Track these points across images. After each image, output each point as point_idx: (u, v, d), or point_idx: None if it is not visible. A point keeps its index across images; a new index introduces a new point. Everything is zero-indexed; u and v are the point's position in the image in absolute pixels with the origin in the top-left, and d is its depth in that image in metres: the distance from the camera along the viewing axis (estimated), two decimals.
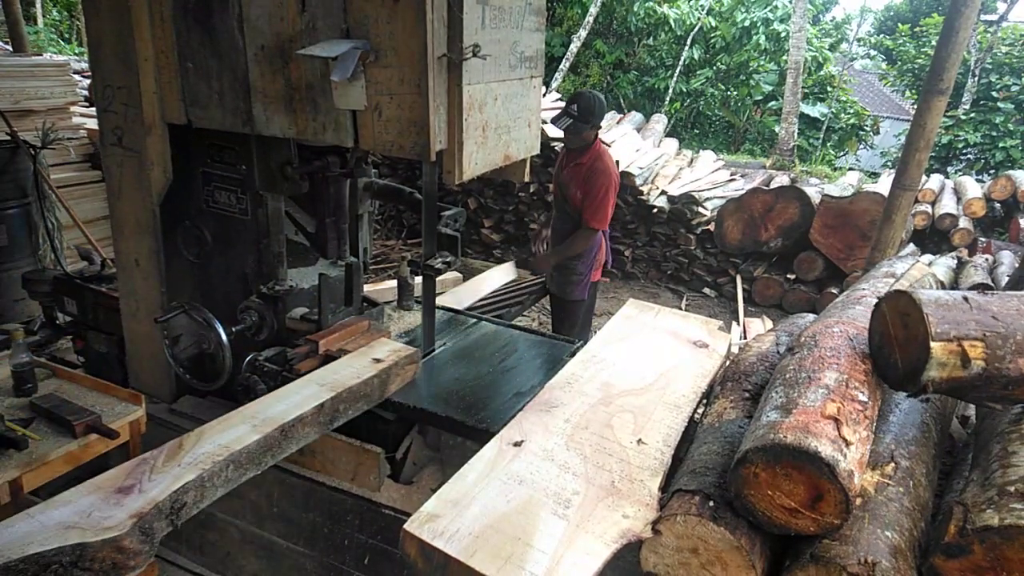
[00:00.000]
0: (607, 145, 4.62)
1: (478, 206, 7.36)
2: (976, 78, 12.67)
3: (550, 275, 4.04)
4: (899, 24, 17.39)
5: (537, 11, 2.43)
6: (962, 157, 12.85)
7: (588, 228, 3.77)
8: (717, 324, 2.79)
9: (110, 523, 1.45)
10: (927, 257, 5.74)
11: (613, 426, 2.03)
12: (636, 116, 9.43)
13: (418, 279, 2.68)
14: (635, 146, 7.64)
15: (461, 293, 4.71)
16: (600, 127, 3.79)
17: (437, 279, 2.63)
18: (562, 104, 8.44)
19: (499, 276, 5.27)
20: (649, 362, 2.44)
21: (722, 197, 7.01)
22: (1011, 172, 7.45)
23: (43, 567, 1.36)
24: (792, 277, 6.47)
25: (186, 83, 2.39)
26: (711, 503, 1.55)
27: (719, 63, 15.43)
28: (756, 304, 6.58)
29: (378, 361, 2.32)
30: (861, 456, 1.49)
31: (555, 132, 6.72)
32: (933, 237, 6.86)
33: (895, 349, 1.63)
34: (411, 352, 2.45)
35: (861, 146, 15.64)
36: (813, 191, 6.61)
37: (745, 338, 5.52)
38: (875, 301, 1.73)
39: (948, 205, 6.86)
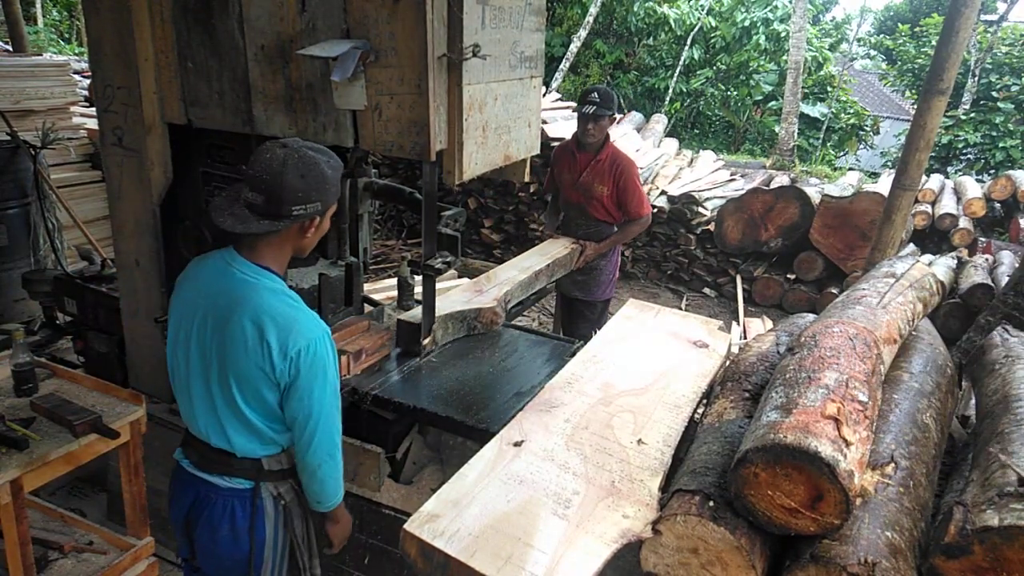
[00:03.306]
0: None
1: (478, 206, 7.36)
2: (976, 78, 12.66)
3: (571, 279, 3.91)
4: (899, 24, 17.38)
5: (537, 11, 2.43)
6: (962, 157, 12.85)
7: (639, 217, 3.81)
8: (717, 324, 2.79)
9: (484, 301, 2.84)
10: (927, 257, 5.75)
11: (613, 426, 2.03)
12: (636, 116, 9.43)
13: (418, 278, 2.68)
14: (635, 146, 7.65)
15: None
16: (616, 119, 3.76)
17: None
18: (562, 104, 8.46)
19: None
20: (649, 362, 2.44)
21: (722, 197, 7.01)
22: (1011, 172, 7.45)
23: (462, 318, 2.71)
24: (792, 277, 6.47)
25: (186, 83, 2.39)
26: (711, 503, 1.55)
27: (719, 63, 15.43)
28: (756, 304, 6.57)
29: (566, 246, 3.65)
30: (861, 456, 1.49)
31: (557, 132, 6.74)
32: (933, 237, 6.86)
33: None
34: (581, 245, 3.71)
35: (861, 146, 15.62)
36: (813, 191, 6.61)
37: (745, 338, 5.52)
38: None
39: (948, 205, 6.86)
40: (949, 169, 12.38)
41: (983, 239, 6.53)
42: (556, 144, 6.52)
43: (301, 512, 1.94)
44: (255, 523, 1.83)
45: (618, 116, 3.78)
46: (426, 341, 2.36)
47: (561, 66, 12.42)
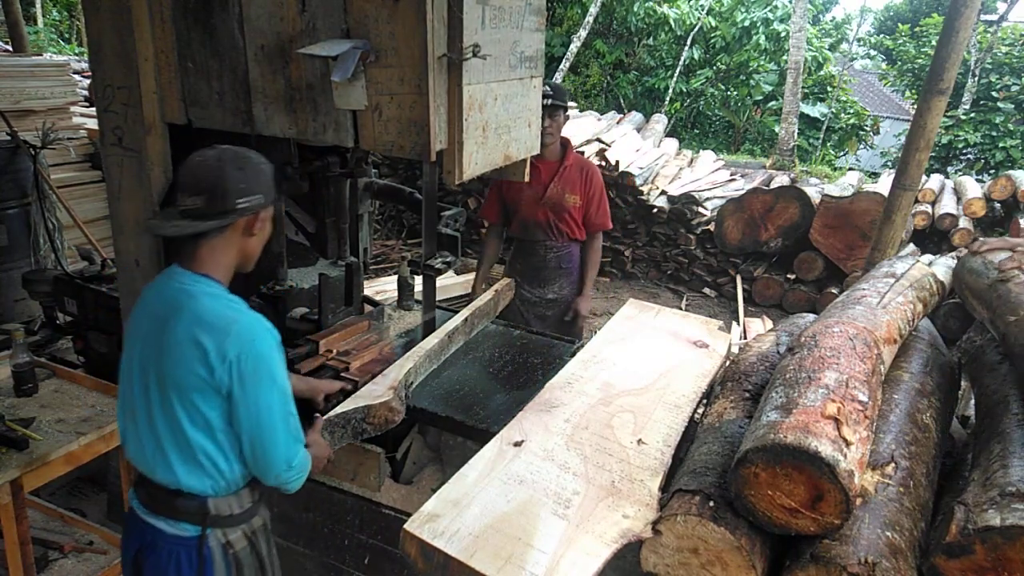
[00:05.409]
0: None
1: (478, 206, 7.35)
2: (976, 78, 12.66)
3: (536, 314, 3.50)
4: (899, 24, 17.38)
5: (537, 11, 2.43)
6: (962, 157, 12.85)
7: (601, 232, 3.47)
8: (717, 324, 2.79)
9: (378, 393, 2.17)
10: (927, 257, 5.73)
11: (613, 426, 2.03)
12: (636, 116, 9.42)
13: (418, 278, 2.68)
14: (635, 146, 7.64)
15: None
16: (568, 116, 3.39)
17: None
18: None
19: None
20: (649, 362, 2.44)
21: (722, 197, 7.01)
22: (1011, 172, 7.44)
23: (347, 420, 2.09)
24: (792, 277, 6.47)
25: (186, 83, 2.39)
26: (711, 503, 1.55)
27: (719, 63, 15.42)
28: (756, 304, 6.58)
29: (490, 288, 3.18)
30: (861, 456, 1.49)
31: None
32: (933, 237, 6.86)
33: None
34: (509, 281, 3.28)
35: (861, 146, 15.62)
36: (813, 191, 6.61)
37: (745, 338, 5.52)
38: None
39: (948, 205, 6.86)
40: (949, 169, 12.39)
41: (983, 239, 6.52)
42: None
43: (255, 563, 1.81)
44: (203, 575, 1.71)
45: (570, 112, 3.35)
46: None
47: (561, 66, 12.41)
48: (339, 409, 2.10)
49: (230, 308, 1.64)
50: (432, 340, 2.53)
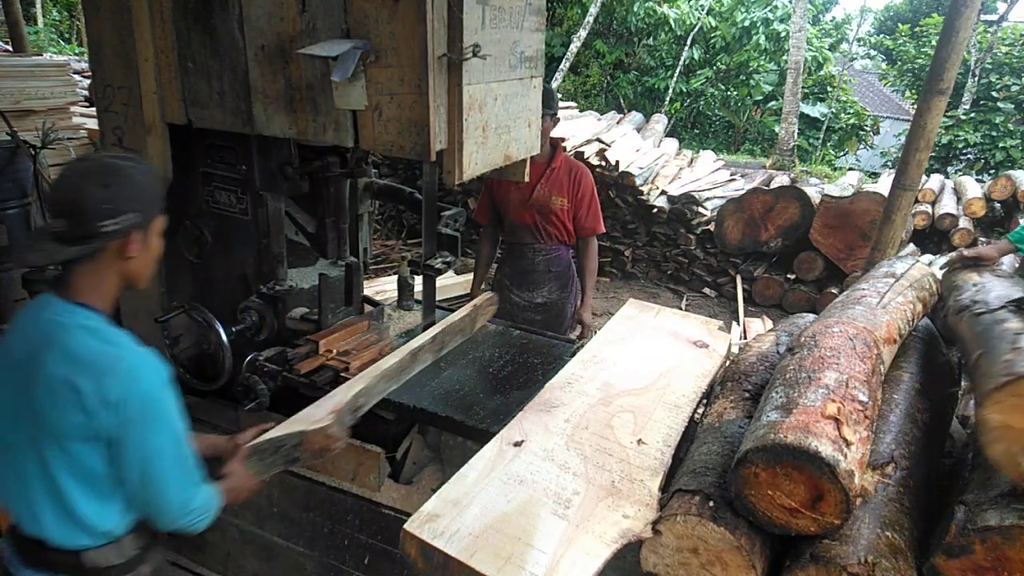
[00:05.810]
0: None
1: None
2: (976, 78, 12.67)
3: (527, 320, 3.38)
4: (899, 24, 17.40)
5: (537, 11, 2.43)
6: (962, 157, 12.87)
7: (595, 236, 3.41)
8: (717, 324, 2.79)
9: (316, 417, 1.94)
10: (927, 257, 5.74)
11: (613, 426, 2.03)
12: (636, 116, 9.42)
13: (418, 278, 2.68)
14: (635, 146, 7.64)
15: None
16: (558, 119, 3.37)
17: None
18: (562, 104, 8.46)
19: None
20: (649, 362, 2.44)
21: (722, 197, 7.01)
22: (1011, 172, 7.44)
23: (278, 447, 1.84)
24: (792, 277, 6.47)
25: (186, 83, 2.39)
26: (711, 503, 1.55)
27: (719, 63, 15.44)
28: (756, 304, 6.57)
29: (477, 304, 2.89)
30: (861, 456, 1.49)
31: (555, 132, 6.72)
32: (933, 237, 6.86)
33: None
34: (492, 295, 3.01)
35: (861, 146, 15.64)
36: (813, 191, 6.62)
37: (745, 338, 5.52)
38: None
39: (948, 205, 6.86)
40: (949, 169, 12.40)
41: (983, 239, 6.53)
42: None
43: None
44: None
45: (559, 117, 3.27)
46: None
47: (561, 66, 12.42)
48: (272, 434, 1.89)
49: (111, 344, 1.45)
50: (391, 359, 2.32)
